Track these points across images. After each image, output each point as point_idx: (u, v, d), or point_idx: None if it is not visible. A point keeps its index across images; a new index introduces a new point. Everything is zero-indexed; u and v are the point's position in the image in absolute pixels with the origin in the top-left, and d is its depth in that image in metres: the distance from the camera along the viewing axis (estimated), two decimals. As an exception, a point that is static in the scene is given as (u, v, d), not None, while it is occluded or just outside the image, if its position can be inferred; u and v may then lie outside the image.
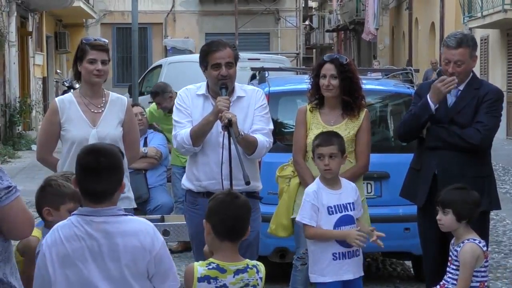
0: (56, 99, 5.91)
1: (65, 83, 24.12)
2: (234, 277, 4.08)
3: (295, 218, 6.03)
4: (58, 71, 29.05)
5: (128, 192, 5.84)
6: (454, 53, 5.96)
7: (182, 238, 7.24)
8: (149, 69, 23.18)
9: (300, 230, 6.04)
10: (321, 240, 5.61)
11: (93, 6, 31.26)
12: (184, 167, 8.36)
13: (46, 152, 5.86)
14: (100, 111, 5.78)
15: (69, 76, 27.45)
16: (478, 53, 6.32)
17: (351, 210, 5.63)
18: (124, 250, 3.63)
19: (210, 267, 4.08)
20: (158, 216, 7.92)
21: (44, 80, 26.13)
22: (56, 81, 28.31)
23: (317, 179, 5.70)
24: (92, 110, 5.77)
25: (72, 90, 6.08)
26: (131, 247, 3.64)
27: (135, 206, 5.97)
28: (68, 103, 5.78)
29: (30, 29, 23.65)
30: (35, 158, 6.09)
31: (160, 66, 21.41)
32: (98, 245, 3.64)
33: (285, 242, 6.85)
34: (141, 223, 3.74)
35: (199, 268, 4.08)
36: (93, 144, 3.97)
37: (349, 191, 5.67)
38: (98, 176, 3.65)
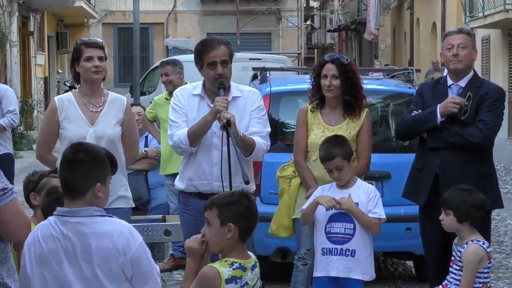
0: (55, 98, 5.95)
1: (66, 83, 24.13)
2: (251, 273, 4.11)
3: (296, 218, 6.04)
4: (60, 71, 29.07)
5: (126, 191, 5.85)
6: (457, 37, 6.03)
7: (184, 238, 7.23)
8: (150, 69, 23.21)
9: (301, 230, 6.04)
10: (315, 236, 5.69)
11: (94, 6, 31.26)
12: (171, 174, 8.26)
13: (45, 150, 5.89)
14: (99, 110, 5.80)
15: (70, 76, 27.45)
16: (479, 53, 6.38)
17: (339, 210, 5.62)
18: (97, 251, 3.60)
19: (234, 267, 4.06)
20: (159, 216, 7.91)
21: (46, 80, 26.14)
22: (57, 81, 28.32)
23: None
24: (91, 109, 5.79)
25: (73, 90, 6.09)
26: (104, 248, 3.60)
27: (133, 205, 5.97)
28: (67, 102, 5.81)
29: (32, 29, 23.65)
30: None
31: (161, 66, 21.36)
32: (72, 246, 3.61)
33: (286, 242, 6.85)
34: (116, 224, 3.69)
35: (224, 269, 4.04)
36: (81, 141, 3.98)
37: (359, 192, 5.67)
38: (72, 166, 3.65)
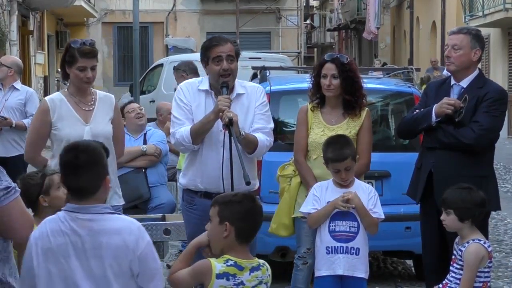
0: (46, 98, 5.91)
1: (66, 82, 24.14)
2: (250, 274, 4.10)
3: (296, 217, 6.04)
4: (60, 70, 29.06)
5: (117, 189, 5.84)
6: (453, 37, 6.02)
7: (183, 237, 7.23)
8: (150, 68, 23.20)
9: (301, 229, 6.05)
10: (319, 235, 5.69)
11: (94, 5, 31.25)
12: None
13: (36, 151, 5.87)
14: (91, 108, 5.79)
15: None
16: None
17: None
18: (107, 248, 3.62)
19: (228, 264, 4.07)
20: (159, 215, 7.90)
21: (45, 79, 26.12)
22: (57, 80, 28.30)
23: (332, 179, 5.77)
24: (83, 108, 5.78)
25: (61, 90, 6.05)
26: (114, 245, 3.63)
27: (123, 202, 5.94)
28: (58, 101, 5.78)
29: (31, 28, 23.63)
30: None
31: (161, 65, 21.43)
32: (82, 242, 3.63)
33: (286, 241, 6.85)
34: (126, 221, 3.72)
35: (217, 264, 4.06)
36: (73, 141, 3.97)
37: (359, 192, 5.67)
38: (77, 172, 3.65)
